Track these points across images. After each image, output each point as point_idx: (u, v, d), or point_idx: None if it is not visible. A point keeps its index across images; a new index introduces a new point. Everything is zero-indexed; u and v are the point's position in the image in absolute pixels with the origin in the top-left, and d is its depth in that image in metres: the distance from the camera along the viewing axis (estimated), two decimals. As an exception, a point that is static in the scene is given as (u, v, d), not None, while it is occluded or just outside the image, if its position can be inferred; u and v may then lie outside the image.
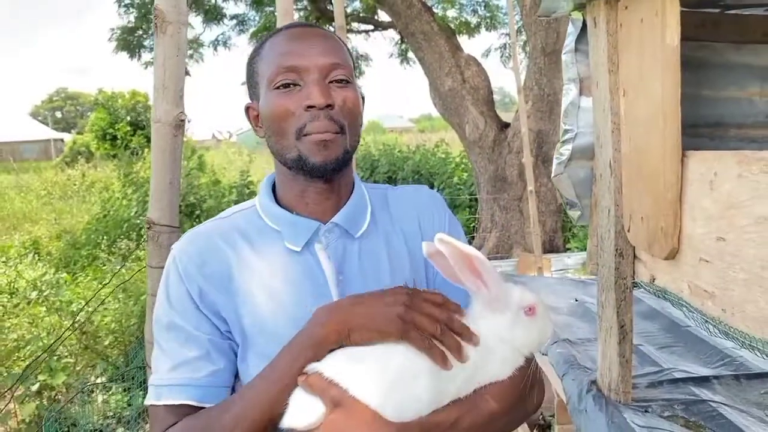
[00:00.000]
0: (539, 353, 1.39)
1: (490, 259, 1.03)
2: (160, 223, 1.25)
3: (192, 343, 1.05)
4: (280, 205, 1.15)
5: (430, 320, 0.93)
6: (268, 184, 1.21)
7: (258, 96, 1.14)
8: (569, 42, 1.66)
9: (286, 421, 0.93)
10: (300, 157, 1.08)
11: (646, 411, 1.50)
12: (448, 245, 0.94)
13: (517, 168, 7.50)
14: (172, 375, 1.04)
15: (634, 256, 1.47)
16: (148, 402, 1.06)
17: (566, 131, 1.67)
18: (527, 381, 1.01)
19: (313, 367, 0.94)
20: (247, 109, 1.19)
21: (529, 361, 1.03)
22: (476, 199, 8.80)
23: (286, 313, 1.07)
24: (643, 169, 1.32)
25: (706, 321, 1.19)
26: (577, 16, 1.61)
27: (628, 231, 1.40)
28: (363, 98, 1.20)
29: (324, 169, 1.08)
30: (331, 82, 1.09)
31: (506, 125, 7.90)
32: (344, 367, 0.92)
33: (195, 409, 1.02)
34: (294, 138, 1.08)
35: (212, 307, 1.07)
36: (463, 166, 12.10)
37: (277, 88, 1.08)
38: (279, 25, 3.02)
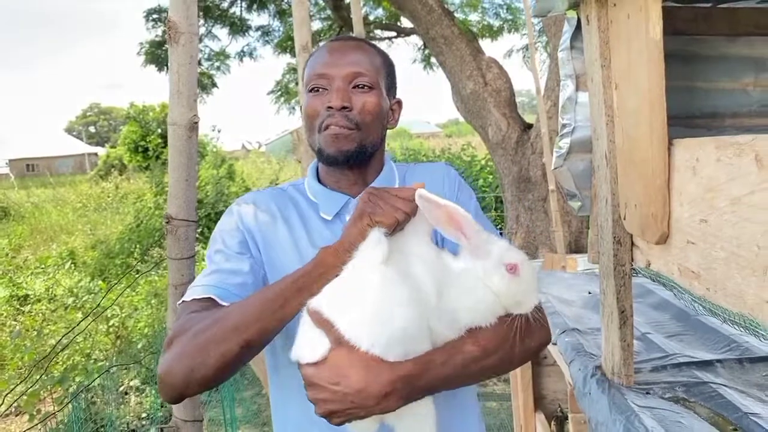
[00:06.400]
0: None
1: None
2: (178, 218, 1.36)
3: (232, 260, 1.23)
4: (321, 183, 1.36)
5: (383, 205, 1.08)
6: (313, 166, 1.42)
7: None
8: (565, 40, 1.71)
9: (294, 353, 1.01)
10: (320, 149, 1.29)
11: (647, 393, 1.55)
12: (424, 200, 1.06)
13: (541, 169, 7.47)
14: (206, 279, 1.20)
15: (632, 243, 1.52)
16: (179, 303, 1.20)
17: (564, 125, 1.73)
18: (515, 330, 1.09)
19: (315, 303, 1.00)
20: (302, 107, 1.40)
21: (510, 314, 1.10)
22: (502, 201, 8.81)
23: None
24: (634, 159, 1.38)
25: (694, 300, 1.24)
26: (572, 14, 1.67)
27: (624, 219, 1.45)
28: (399, 103, 1.40)
29: (336, 159, 1.28)
30: (355, 87, 1.27)
31: (529, 126, 7.90)
32: (335, 305, 0.99)
33: (217, 305, 1.15)
34: (317, 132, 1.28)
35: (255, 247, 1.27)
36: (488, 168, 12.10)
37: (311, 91, 1.29)
38: (296, 33, 3.15)
